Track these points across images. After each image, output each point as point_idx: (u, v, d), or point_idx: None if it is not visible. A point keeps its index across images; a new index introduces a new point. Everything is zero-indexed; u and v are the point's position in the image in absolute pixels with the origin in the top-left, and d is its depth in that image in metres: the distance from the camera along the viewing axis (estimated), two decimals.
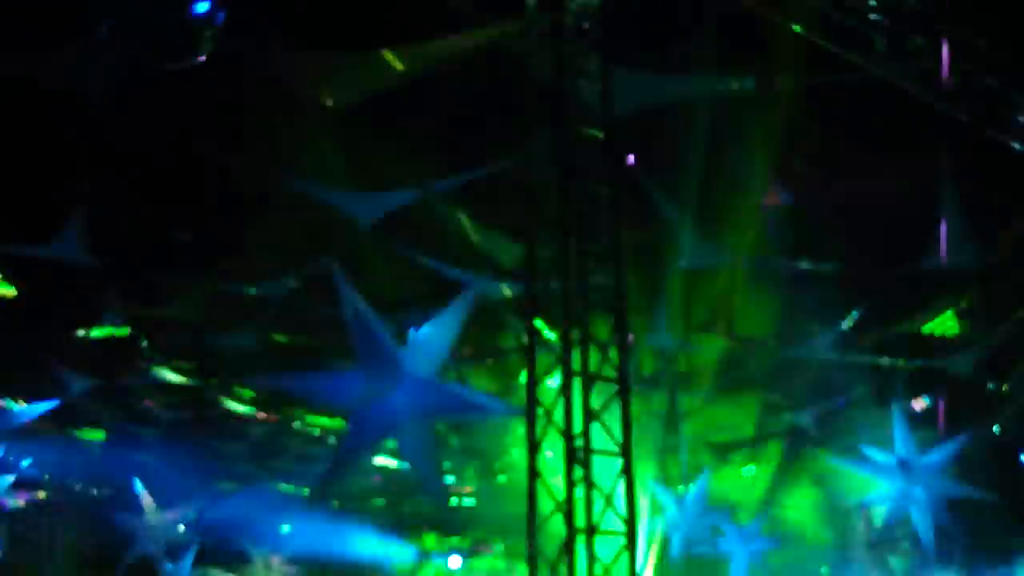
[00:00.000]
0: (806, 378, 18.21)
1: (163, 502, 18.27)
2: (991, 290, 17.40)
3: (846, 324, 17.30)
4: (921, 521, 17.06)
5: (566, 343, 8.03)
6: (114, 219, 14.63)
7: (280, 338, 16.81)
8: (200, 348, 16.89)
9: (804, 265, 16.20)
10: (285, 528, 20.30)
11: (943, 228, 16.16)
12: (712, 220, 15.24)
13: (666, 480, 17.66)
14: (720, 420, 18.36)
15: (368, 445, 15.18)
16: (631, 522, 7.72)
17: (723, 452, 18.78)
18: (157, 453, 18.80)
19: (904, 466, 16.86)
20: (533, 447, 7.94)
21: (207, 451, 19.29)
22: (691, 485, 17.26)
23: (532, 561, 7.67)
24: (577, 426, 7.85)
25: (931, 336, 18.10)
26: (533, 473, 7.85)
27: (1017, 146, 15.53)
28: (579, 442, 7.86)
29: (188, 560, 18.23)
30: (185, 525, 18.77)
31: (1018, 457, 19.34)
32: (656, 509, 17.27)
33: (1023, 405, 18.95)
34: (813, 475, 19.34)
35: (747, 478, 19.16)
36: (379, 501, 20.71)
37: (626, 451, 7.83)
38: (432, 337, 13.71)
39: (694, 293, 16.31)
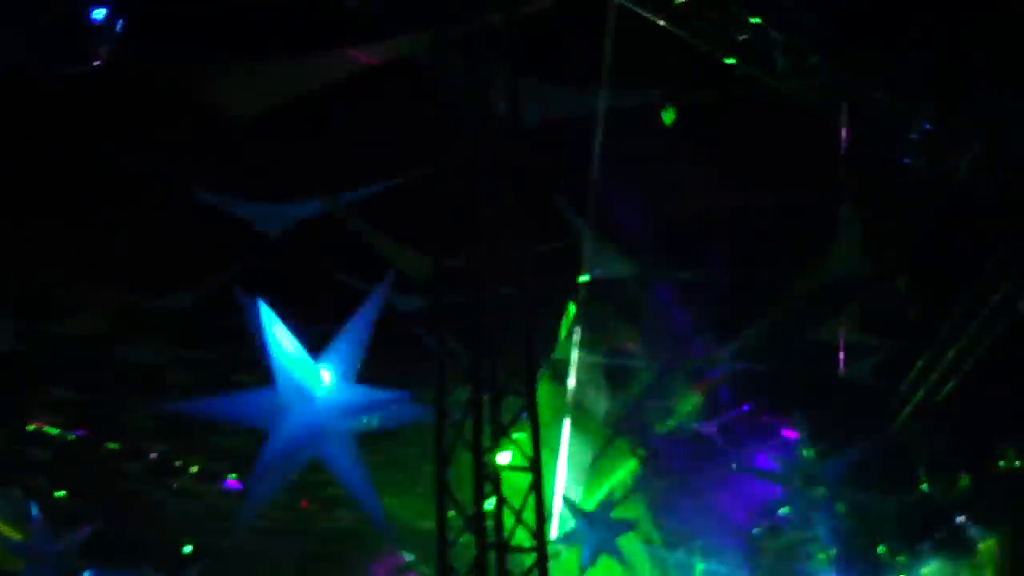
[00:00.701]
0: (711, 387, 18.57)
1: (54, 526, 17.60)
2: (884, 298, 18.01)
3: (745, 334, 17.64)
4: (822, 527, 17.54)
5: (474, 355, 8.00)
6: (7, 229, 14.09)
7: (185, 353, 16.35)
8: (100, 363, 16.30)
9: (702, 277, 16.50)
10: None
11: (838, 239, 16.72)
12: (614, 232, 15.43)
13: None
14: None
15: (289, 463, 14.94)
16: (540, 537, 7.71)
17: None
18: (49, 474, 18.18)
19: (804, 473, 17.37)
20: (442, 461, 7.87)
21: (105, 470, 18.75)
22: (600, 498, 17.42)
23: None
24: (487, 441, 7.82)
25: (828, 344, 18.57)
26: (442, 488, 7.79)
27: (908, 161, 16.21)
28: (489, 457, 7.84)
29: None
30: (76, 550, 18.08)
31: (913, 461, 20.02)
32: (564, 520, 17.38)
33: (919, 409, 19.63)
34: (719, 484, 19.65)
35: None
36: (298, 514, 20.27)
37: (536, 466, 7.82)
38: (345, 347, 13.60)
39: (597, 306, 16.49)
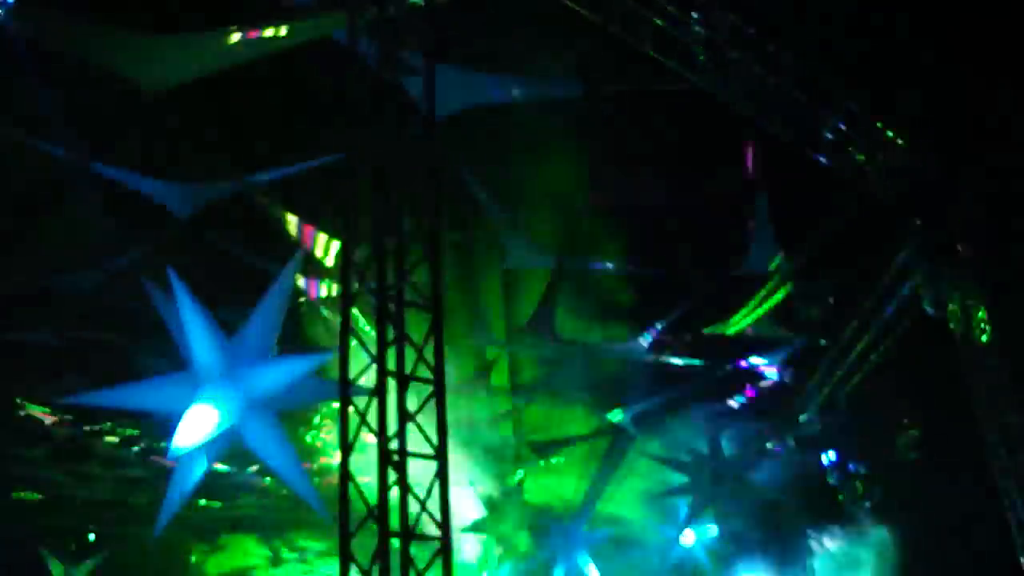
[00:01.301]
0: (624, 378, 18.69)
1: None
2: (797, 292, 18.34)
3: (661, 326, 17.80)
4: (727, 514, 17.82)
5: (380, 342, 7.86)
6: None
7: (86, 335, 15.82)
8: None
9: (619, 268, 16.61)
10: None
11: (752, 233, 16.96)
12: (533, 222, 15.43)
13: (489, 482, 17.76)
14: (541, 420, 18.57)
15: (211, 448, 14.62)
16: (445, 526, 7.62)
17: (544, 452, 19.01)
18: None
19: (713, 462, 17.65)
20: (346, 448, 7.73)
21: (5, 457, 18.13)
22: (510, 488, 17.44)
23: (344, 565, 7.46)
24: (392, 428, 7.69)
25: (742, 336, 18.84)
26: (345, 475, 7.64)
27: (822, 159, 16.49)
28: (394, 444, 7.71)
29: None
30: None
31: (821, 453, 20.47)
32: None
33: (828, 401, 20.06)
34: (633, 472, 19.80)
35: (569, 478, 19.43)
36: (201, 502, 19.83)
37: (442, 454, 7.72)
38: (258, 327, 13.34)
39: (516, 294, 16.47)
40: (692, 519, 18.75)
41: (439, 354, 7.99)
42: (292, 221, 14.46)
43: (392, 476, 7.62)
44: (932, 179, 15.86)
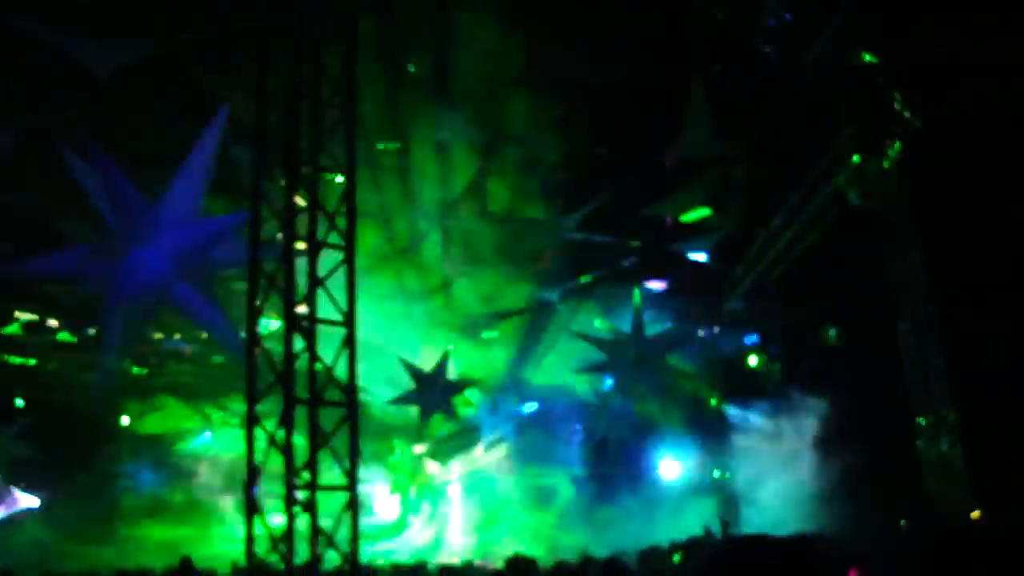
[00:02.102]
0: (554, 255, 18.81)
1: None
2: (730, 180, 18.44)
3: (592, 205, 17.83)
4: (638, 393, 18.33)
5: (289, 207, 7.76)
6: None
7: (3, 198, 15.36)
8: None
9: (555, 147, 16.47)
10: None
11: (689, 119, 16.90)
12: (464, 94, 15.15)
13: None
14: (470, 295, 18.63)
15: (140, 312, 14.54)
16: (351, 392, 7.68)
17: (475, 326, 19.14)
18: None
19: (635, 341, 18.02)
20: (253, 312, 7.69)
21: None
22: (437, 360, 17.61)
23: (250, 430, 7.53)
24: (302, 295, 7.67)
25: (672, 220, 18.97)
26: (252, 339, 7.65)
27: (764, 47, 16.39)
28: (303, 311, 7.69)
29: None
30: None
31: (743, 336, 20.98)
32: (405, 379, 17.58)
33: (752, 287, 20.43)
34: (558, 349, 20.08)
35: (497, 352, 19.64)
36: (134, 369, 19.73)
37: (350, 320, 7.73)
38: (183, 187, 13.14)
39: (448, 169, 16.31)
40: (614, 395, 19.19)
41: (351, 221, 7.91)
42: (215, 82, 14.03)
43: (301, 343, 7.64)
44: (867, 74, 15.90)
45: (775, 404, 19.58)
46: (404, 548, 18.67)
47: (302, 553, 7.17)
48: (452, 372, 17.78)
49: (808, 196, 18.12)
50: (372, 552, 16.16)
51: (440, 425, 19.08)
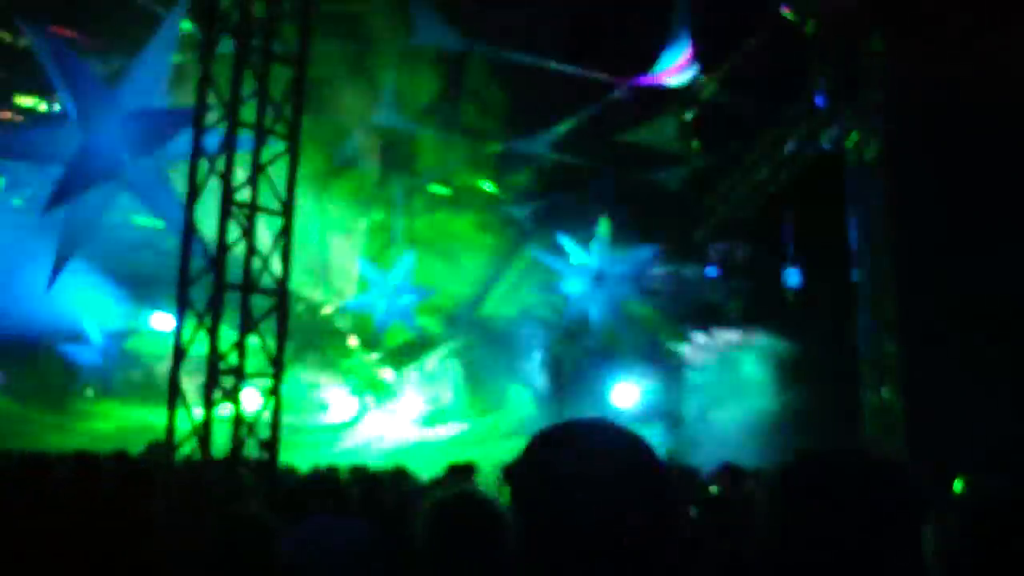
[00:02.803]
0: (526, 174, 18.70)
1: None
2: (709, 110, 18.31)
3: (566, 126, 17.65)
4: (597, 319, 18.40)
5: (234, 93, 7.63)
6: None
7: None
8: None
9: (531, 60, 16.19)
10: None
11: (669, 43, 16.66)
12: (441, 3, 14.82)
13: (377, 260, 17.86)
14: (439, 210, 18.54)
15: (96, 199, 14.37)
16: (283, 283, 7.66)
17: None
18: None
19: (596, 269, 18.06)
20: (192, 194, 7.61)
21: None
22: (397, 263, 17.52)
23: (181, 312, 7.51)
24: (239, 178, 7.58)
25: (646, 148, 18.84)
26: (189, 226, 7.58)
27: None
28: (243, 197, 7.62)
29: None
30: None
31: (704, 268, 21.05)
32: (363, 285, 17.55)
33: (721, 221, 20.45)
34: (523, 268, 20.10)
35: (460, 266, 19.61)
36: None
37: (288, 210, 7.67)
38: (144, 73, 12.89)
39: (419, 75, 16.02)
40: (572, 318, 19.27)
41: (297, 111, 7.80)
42: None
43: (236, 233, 7.58)
44: (848, 14, 15.69)
45: (731, 338, 19.79)
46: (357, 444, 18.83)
47: (222, 443, 7.21)
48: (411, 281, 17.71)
49: (783, 135, 18.06)
50: (333, 453, 16.33)
51: (399, 334, 19.13)
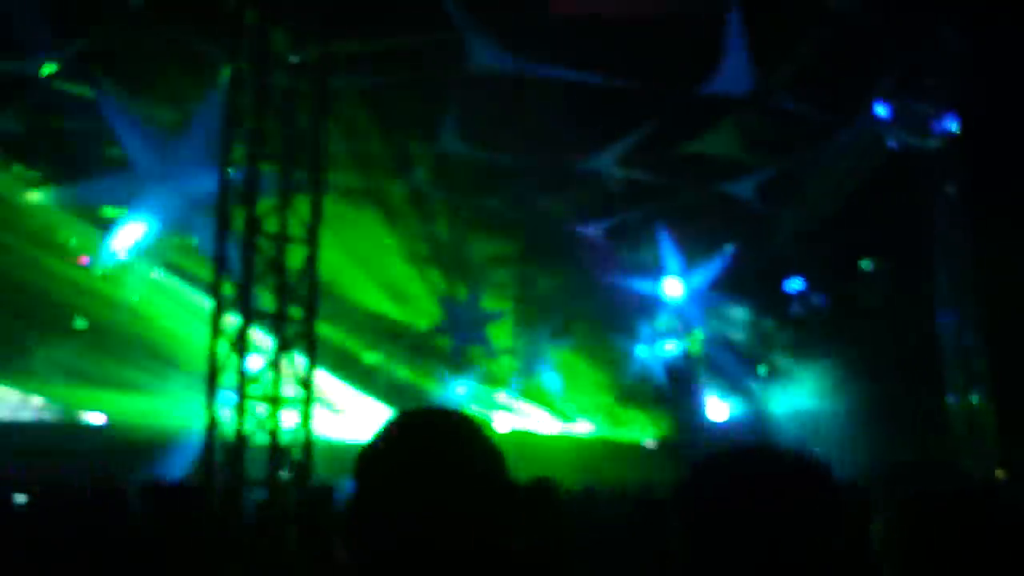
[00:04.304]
0: (591, 191, 18.70)
1: None
2: (772, 117, 18.00)
3: (631, 141, 17.59)
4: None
5: (257, 118, 7.90)
6: None
7: (55, 123, 15.89)
8: None
9: (593, 78, 16.19)
10: None
11: (727, 52, 16.47)
12: (499, 24, 14.95)
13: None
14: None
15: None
16: (311, 308, 7.86)
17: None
18: None
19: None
20: (224, 221, 7.87)
21: None
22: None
23: (215, 337, 7.76)
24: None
25: (714, 159, 18.62)
26: (221, 248, 7.85)
27: None
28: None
29: None
30: None
31: (782, 282, 20.65)
32: None
33: (795, 231, 20.04)
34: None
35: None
36: None
37: (312, 237, 7.88)
38: (200, 130, 13.45)
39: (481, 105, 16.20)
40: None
41: (318, 141, 8.02)
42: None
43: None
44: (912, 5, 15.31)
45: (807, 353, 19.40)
46: None
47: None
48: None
49: (853, 136, 17.65)
50: None
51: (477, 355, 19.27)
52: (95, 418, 20.11)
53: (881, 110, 15.93)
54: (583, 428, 19.75)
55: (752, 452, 1.67)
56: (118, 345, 17.16)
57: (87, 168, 15.96)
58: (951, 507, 1.80)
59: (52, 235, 17.11)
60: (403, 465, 1.60)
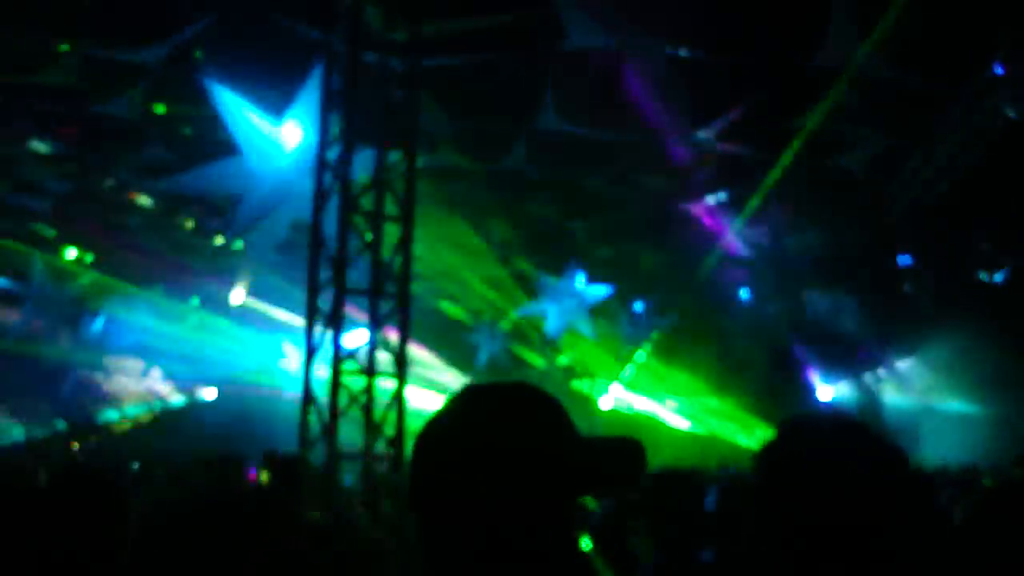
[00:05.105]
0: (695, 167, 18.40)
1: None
2: (877, 90, 17.36)
3: (732, 116, 17.21)
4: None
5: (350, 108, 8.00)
6: None
7: (159, 108, 16.45)
8: (77, 117, 16.45)
9: (693, 52, 15.86)
10: None
11: (832, 24, 15.94)
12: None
13: None
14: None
15: (272, 224, 15.61)
16: (404, 285, 7.94)
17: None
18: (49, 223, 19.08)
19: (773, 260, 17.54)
20: (318, 203, 8.02)
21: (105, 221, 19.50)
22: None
23: (310, 318, 7.91)
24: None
25: (821, 132, 18.09)
26: (317, 232, 7.99)
27: None
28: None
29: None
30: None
31: (896, 257, 19.97)
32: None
33: (908, 206, 19.33)
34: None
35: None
36: None
37: (407, 217, 7.96)
38: (306, 104, 13.68)
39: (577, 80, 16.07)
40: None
41: (414, 118, 8.07)
42: None
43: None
44: None
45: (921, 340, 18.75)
46: None
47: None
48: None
49: (968, 108, 16.88)
50: None
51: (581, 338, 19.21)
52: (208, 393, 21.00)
53: (999, 72, 15.13)
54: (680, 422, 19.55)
55: (833, 423, 1.74)
56: None
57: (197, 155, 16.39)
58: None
59: None
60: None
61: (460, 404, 1.61)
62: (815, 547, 1.57)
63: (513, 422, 1.55)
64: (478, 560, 1.48)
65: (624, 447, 1.55)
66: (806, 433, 1.70)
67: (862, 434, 1.67)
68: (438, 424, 1.59)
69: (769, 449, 1.69)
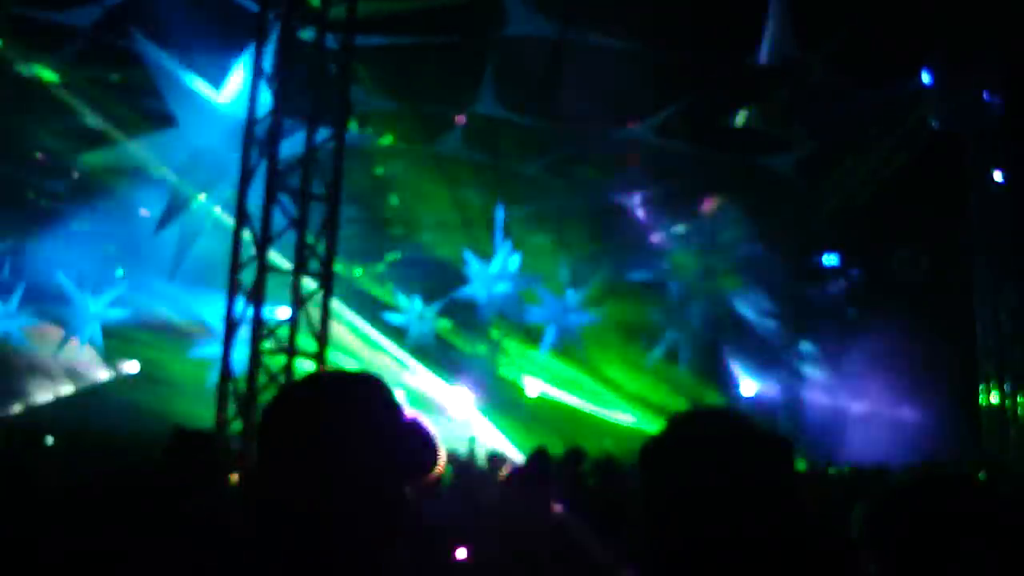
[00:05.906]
0: (630, 160, 18.51)
1: None
2: (813, 91, 17.65)
3: (670, 111, 17.37)
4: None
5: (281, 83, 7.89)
6: None
7: (87, 72, 15.98)
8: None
9: (632, 47, 15.96)
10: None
11: (770, 25, 16.19)
12: None
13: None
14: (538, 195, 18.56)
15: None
16: (328, 265, 7.87)
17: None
18: None
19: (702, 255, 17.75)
20: (244, 180, 7.90)
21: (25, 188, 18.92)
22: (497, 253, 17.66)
23: (231, 295, 7.80)
24: None
25: (754, 132, 18.35)
26: (241, 211, 7.88)
27: None
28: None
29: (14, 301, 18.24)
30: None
31: (821, 258, 20.37)
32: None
33: (836, 207, 19.71)
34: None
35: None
36: None
37: (334, 194, 7.89)
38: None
39: (517, 67, 16.06)
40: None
41: (344, 100, 8.00)
42: None
43: None
44: None
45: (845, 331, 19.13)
46: None
47: None
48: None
49: (896, 116, 17.31)
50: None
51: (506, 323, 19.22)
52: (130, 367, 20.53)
53: (926, 78, 15.50)
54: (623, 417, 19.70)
55: (716, 417, 1.79)
56: None
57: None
58: (912, 497, 1.86)
59: None
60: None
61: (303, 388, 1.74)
62: (689, 542, 1.61)
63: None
64: None
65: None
66: (684, 431, 1.74)
67: (742, 431, 1.71)
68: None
69: (648, 446, 1.72)
